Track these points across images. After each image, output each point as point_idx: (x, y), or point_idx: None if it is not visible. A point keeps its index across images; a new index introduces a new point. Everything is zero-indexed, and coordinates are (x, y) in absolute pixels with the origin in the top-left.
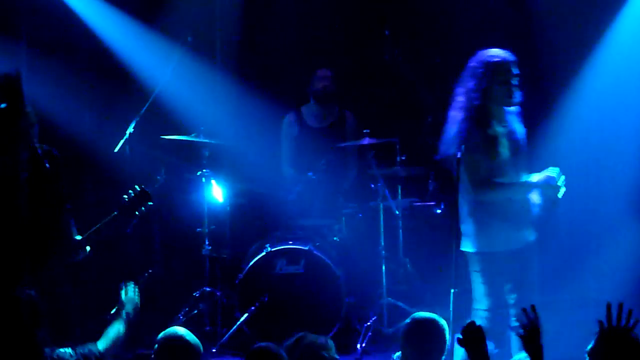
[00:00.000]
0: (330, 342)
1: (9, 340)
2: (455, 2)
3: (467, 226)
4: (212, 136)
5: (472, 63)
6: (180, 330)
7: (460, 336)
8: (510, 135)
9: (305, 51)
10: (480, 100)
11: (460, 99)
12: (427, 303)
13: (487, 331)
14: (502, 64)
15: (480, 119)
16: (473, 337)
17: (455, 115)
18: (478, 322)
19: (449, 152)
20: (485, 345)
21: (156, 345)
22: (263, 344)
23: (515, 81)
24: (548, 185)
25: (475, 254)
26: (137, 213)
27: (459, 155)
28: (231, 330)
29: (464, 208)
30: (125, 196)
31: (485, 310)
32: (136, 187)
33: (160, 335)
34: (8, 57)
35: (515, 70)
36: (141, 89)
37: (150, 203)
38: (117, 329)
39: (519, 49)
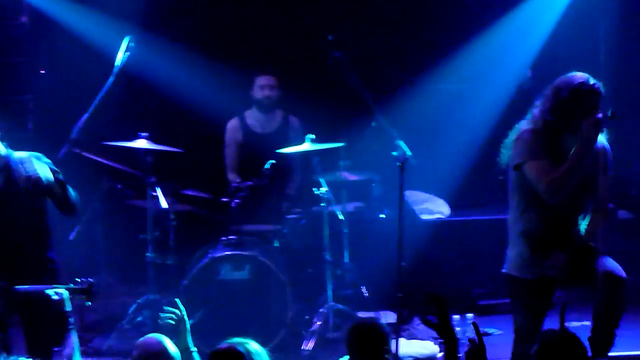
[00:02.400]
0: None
1: None
2: (398, 6)
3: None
4: (155, 142)
5: (559, 84)
6: (160, 337)
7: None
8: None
9: (248, 55)
10: (553, 123)
11: (535, 111)
12: (372, 308)
13: None
14: (587, 94)
15: (547, 134)
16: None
17: (522, 127)
18: None
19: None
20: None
21: (134, 352)
22: (225, 344)
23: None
24: None
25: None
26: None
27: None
28: None
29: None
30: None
31: None
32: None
33: (139, 340)
34: None
35: (598, 103)
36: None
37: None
38: None
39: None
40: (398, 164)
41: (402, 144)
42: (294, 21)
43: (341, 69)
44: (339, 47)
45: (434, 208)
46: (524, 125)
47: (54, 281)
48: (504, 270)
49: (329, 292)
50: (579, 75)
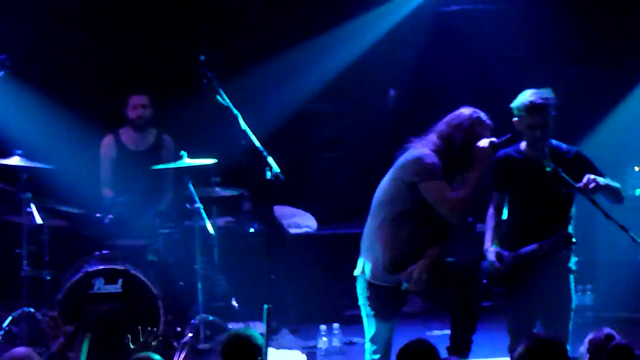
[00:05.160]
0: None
1: None
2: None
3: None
4: (29, 159)
5: (464, 118)
6: (28, 350)
7: None
8: None
9: (122, 74)
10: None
11: (437, 139)
12: (242, 319)
13: None
14: (480, 126)
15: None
16: None
17: (423, 149)
18: None
19: None
20: None
21: None
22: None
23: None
24: None
25: None
26: None
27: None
28: (50, 350)
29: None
30: None
31: None
32: None
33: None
34: None
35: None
36: None
37: None
38: None
39: None
40: (267, 179)
41: (271, 160)
42: (167, 41)
43: (213, 89)
44: (210, 67)
45: (302, 222)
46: (423, 147)
47: None
48: (356, 274)
49: (200, 304)
50: (472, 110)
